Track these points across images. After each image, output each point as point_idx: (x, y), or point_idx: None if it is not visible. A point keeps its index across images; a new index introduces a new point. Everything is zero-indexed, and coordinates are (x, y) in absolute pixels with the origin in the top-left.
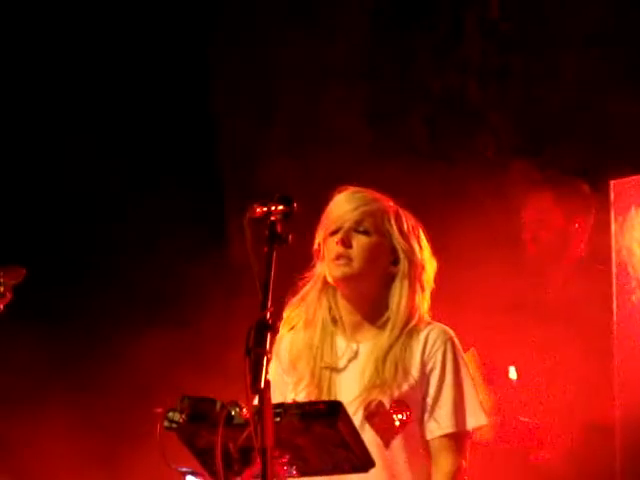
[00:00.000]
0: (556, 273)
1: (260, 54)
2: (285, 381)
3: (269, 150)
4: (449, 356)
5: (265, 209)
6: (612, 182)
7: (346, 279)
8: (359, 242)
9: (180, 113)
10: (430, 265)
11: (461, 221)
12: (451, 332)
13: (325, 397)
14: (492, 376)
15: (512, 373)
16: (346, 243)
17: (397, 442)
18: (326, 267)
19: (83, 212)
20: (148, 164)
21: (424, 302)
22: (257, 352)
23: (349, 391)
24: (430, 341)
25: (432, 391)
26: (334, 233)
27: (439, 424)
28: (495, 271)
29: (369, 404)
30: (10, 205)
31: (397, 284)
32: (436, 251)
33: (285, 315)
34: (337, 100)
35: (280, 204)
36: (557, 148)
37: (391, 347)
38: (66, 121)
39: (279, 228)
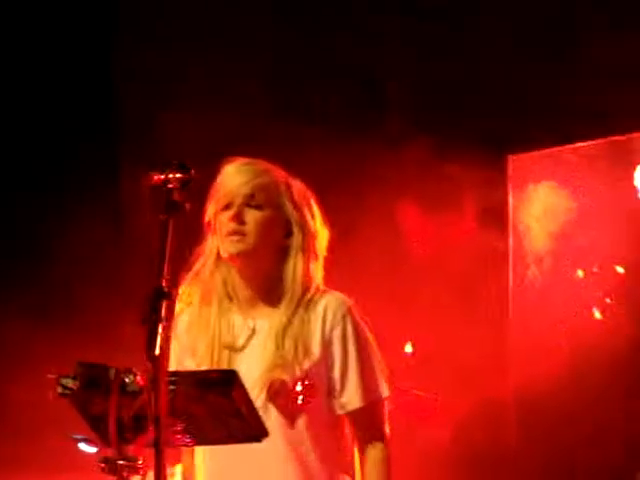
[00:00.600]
0: (447, 260)
1: (163, 19)
2: (185, 365)
3: (168, 117)
4: (350, 327)
5: (163, 177)
6: (510, 157)
7: (240, 255)
8: (252, 217)
9: (78, 80)
10: (322, 234)
11: (361, 196)
12: (349, 301)
13: None
14: (385, 349)
15: (407, 346)
16: (239, 219)
17: (301, 421)
18: (219, 243)
19: None
20: (44, 130)
21: (318, 272)
22: (153, 320)
23: (250, 371)
24: (329, 313)
25: (338, 365)
26: (226, 208)
27: (350, 398)
28: (390, 246)
29: (271, 384)
30: None
31: (291, 257)
32: (333, 223)
33: (179, 293)
34: (241, 69)
35: (178, 172)
36: (457, 122)
37: (289, 322)
38: None
39: (176, 196)
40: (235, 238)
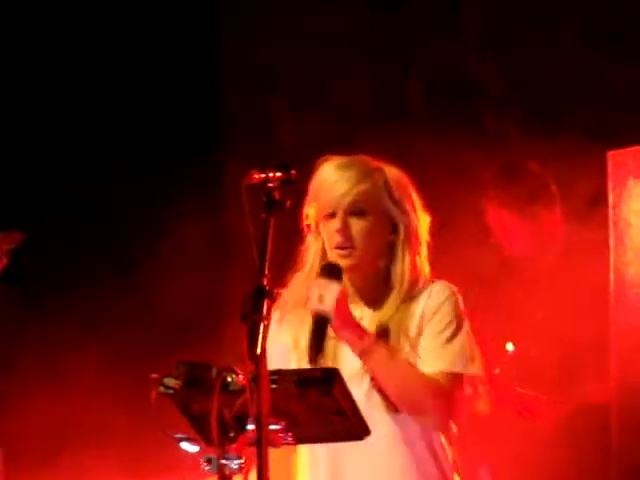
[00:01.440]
0: (543, 257)
1: (262, 24)
2: (289, 357)
3: (270, 117)
4: (446, 304)
5: (263, 176)
6: (610, 152)
7: (350, 268)
8: (358, 227)
9: (182, 79)
10: (424, 222)
11: (456, 191)
12: (453, 287)
13: (329, 365)
14: (487, 348)
15: (508, 345)
16: (346, 233)
17: None
18: (328, 251)
19: (83, 174)
20: (149, 131)
21: (425, 264)
22: (254, 318)
23: (354, 360)
24: (432, 297)
25: (425, 334)
26: (329, 217)
27: (425, 361)
28: (487, 242)
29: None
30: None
31: (398, 252)
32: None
33: (288, 292)
34: (338, 68)
35: (278, 171)
36: (556, 119)
37: (395, 313)
38: (69, 83)
39: (277, 195)
40: (343, 252)
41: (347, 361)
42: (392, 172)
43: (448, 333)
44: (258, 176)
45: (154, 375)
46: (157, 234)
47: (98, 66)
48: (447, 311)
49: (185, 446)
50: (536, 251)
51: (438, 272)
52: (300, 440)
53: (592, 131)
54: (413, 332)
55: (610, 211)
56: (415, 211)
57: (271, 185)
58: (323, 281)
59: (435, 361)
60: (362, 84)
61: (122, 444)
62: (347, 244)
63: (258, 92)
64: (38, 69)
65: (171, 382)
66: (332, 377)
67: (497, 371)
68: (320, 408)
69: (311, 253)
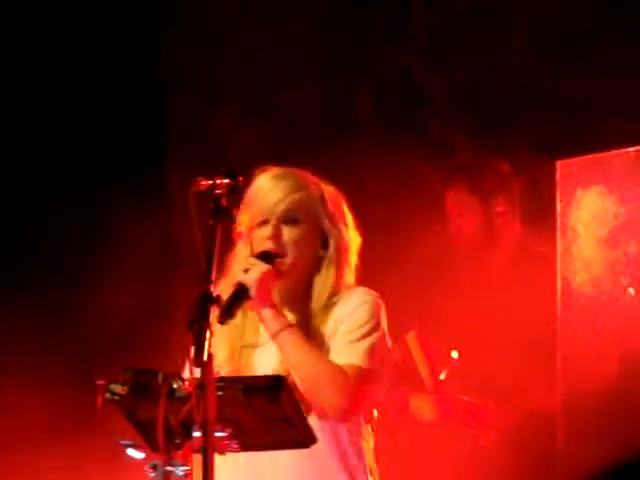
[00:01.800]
0: (492, 256)
1: (210, 31)
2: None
3: (216, 124)
4: (364, 306)
5: (210, 182)
6: (558, 162)
7: (279, 275)
8: (289, 235)
9: (126, 86)
10: (355, 242)
11: (404, 200)
12: (375, 293)
13: (243, 373)
14: (433, 356)
15: (453, 353)
16: (277, 240)
17: (315, 415)
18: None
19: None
20: (93, 137)
21: (351, 278)
22: (200, 325)
23: (266, 366)
24: (351, 298)
25: (339, 332)
26: (261, 224)
27: (336, 355)
28: (435, 252)
29: (288, 375)
30: None
31: (324, 268)
32: (377, 229)
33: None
34: (286, 77)
35: (225, 178)
36: (506, 128)
37: (310, 318)
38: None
39: (224, 202)
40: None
41: (260, 367)
42: (328, 189)
43: (361, 332)
44: (205, 183)
45: (100, 381)
46: (103, 241)
47: (43, 75)
48: (364, 312)
49: (131, 452)
50: (487, 245)
51: (383, 281)
52: (246, 447)
53: (541, 140)
54: (329, 334)
55: (558, 220)
56: (347, 229)
57: (218, 192)
58: (253, 259)
59: (347, 355)
60: (309, 94)
61: (67, 450)
62: (278, 251)
63: (204, 101)
64: None
65: (117, 389)
66: (279, 384)
67: (443, 376)
68: (267, 415)
69: (239, 260)
